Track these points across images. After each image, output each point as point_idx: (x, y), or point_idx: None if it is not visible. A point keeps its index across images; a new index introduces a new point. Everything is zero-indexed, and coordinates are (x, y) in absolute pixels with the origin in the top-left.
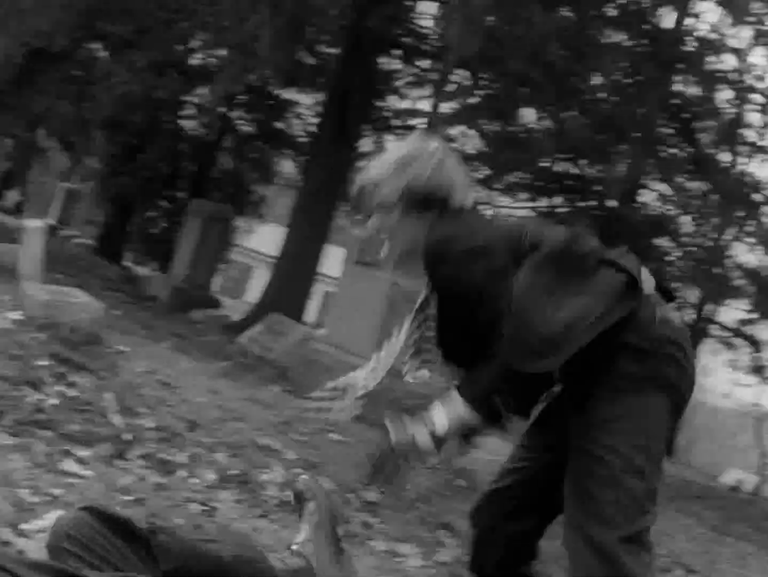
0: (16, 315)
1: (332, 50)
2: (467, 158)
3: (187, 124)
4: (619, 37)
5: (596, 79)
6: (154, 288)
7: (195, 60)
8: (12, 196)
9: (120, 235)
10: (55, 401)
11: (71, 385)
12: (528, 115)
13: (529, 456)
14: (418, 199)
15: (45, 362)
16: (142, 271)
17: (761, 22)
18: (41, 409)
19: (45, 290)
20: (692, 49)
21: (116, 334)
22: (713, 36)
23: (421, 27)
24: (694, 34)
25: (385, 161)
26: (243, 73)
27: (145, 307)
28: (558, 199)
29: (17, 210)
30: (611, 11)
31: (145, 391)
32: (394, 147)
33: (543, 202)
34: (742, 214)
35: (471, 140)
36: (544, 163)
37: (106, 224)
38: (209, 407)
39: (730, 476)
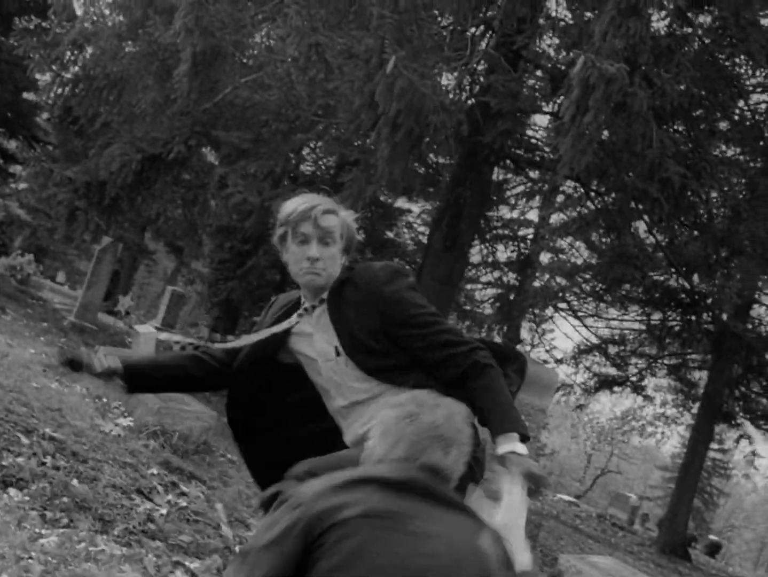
0: (127, 422)
1: (445, 161)
2: (575, 269)
3: None
4: (733, 153)
5: (712, 195)
6: None
7: (305, 167)
8: (125, 301)
9: (227, 340)
10: (165, 510)
11: (182, 494)
12: (640, 229)
13: None
14: (351, 241)
15: (156, 471)
16: None
17: None
18: (152, 519)
19: (157, 396)
20: None
21: (226, 442)
22: None
23: (533, 138)
24: None
25: (326, 200)
26: (366, 188)
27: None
28: (670, 313)
29: (126, 314)
30: (724, 126)
31: (256, 502)
32: (314, 195)
33: (654, 316)
34: None
35: (579, 252)
36: (656, 277)
37: (213, 329)
38: None
39: None
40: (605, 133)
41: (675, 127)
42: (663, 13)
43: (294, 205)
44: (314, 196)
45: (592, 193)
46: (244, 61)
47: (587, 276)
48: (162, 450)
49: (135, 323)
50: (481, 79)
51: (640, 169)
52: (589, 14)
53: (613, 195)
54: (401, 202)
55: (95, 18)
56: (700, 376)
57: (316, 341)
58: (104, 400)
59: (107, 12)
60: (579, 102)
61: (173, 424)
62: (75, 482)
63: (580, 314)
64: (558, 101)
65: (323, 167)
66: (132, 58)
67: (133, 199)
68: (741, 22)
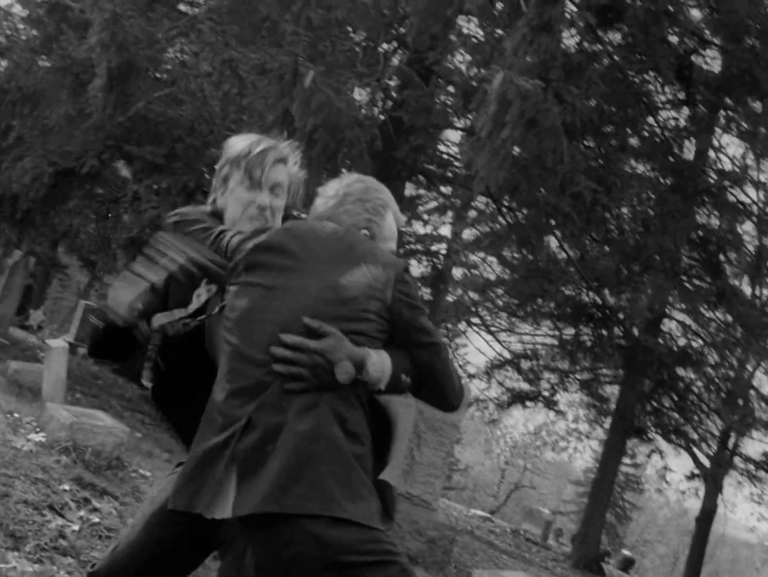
0: (39, 437)
1: None
2: (488, 284)
3: None
4: (644, 168)
5: (623, 210)
6: None
7: None
8: (37, 315)
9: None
10: (77, 527)
11: (94, 510)
12: (551, 244)
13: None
14: (296, 195)
15: (68, 487)
16: None
17: None
18: (63, 535)
19: (69, 411)
20: (714, 181)
21: (138, 457)
22: (736, 169)
23: (445, 153)
24: (716, 166)
25: (279, 145)
26: None
27: (165, 429)
28: (582, 328)
29: (38, 328)
30: (634, 142)
31: None
32: (262, 137)
33: (567, 331)
34: (766, 345)
35: (492, 267)
36: (569, 292)
37: None
38: None
39: None
40: (516, 149)
41: (585, 142)
42: (573, 30)
43: (246, 144)
44: (263, 138)
45: (504, 209)
46: (158, 76)
47: (500, 291)
48: (74, 466)
49: (47, 337)
50: (394, 94)
51: (552, 184)
52: (500, 31)
53: (524, 210)
54: None
55: (9, 32)
56: (612, 391)
57: None
58: (16, 415)
59: (21, 26)
60: (496, 118)
61: (85, 439)
62: None
63: (492, 328)
64: (470, 117)
65: None
66: (46, 73)
67: (46, 213)
68: (649, 39)
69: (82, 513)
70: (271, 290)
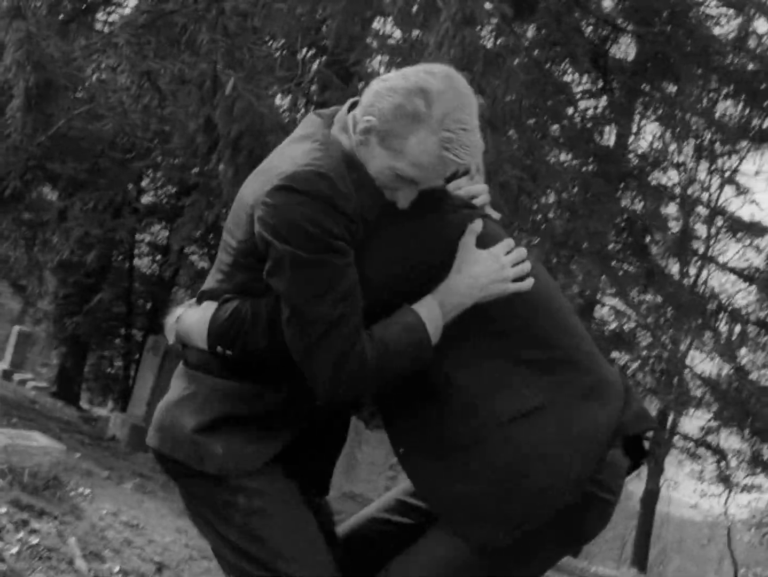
0: None
1: None
2: None
3: (140, 263)
4: (566, 157)
5: (549, 198)
6: (113, 428)
7: (146, 199)
8: None
9: (76, 377)
10: (16, 549)
11: (33, 532)
12: None
13: None
14: None
15: (5, 509)
16: (100, 411)
17: (701, 137)
18: (2, 558)
19: (3, 434)
20: (636, 165)
21: (77, 476)
22: (656, 152)
23: None
24: (638, 151)
25: None
26: (205, 213)
27: (105, 447)
28: None
29: None
30: (556, 131)
31: (110, 534)
32: None
33: None
34: (697, 323)
35: None
36: None
37: (61, 366)
38: (177, 546)
39: None
40: None
41: (507, 134)
42: (490, 24)
43: None
44: None
45: None
46: (78, 95)
47: None
48: (11, 489)
49: None
50: (315, 97)
51: None
52: (417, 31)
53: None
54: None
55: None
56: None
57: None
58: None
59: None
60: None
61: (21, 461)
62: None
63: None
64: None
65: (164, 196)
66: None
67: None
68: (563, 29)
69: (20, 535)
70: None
